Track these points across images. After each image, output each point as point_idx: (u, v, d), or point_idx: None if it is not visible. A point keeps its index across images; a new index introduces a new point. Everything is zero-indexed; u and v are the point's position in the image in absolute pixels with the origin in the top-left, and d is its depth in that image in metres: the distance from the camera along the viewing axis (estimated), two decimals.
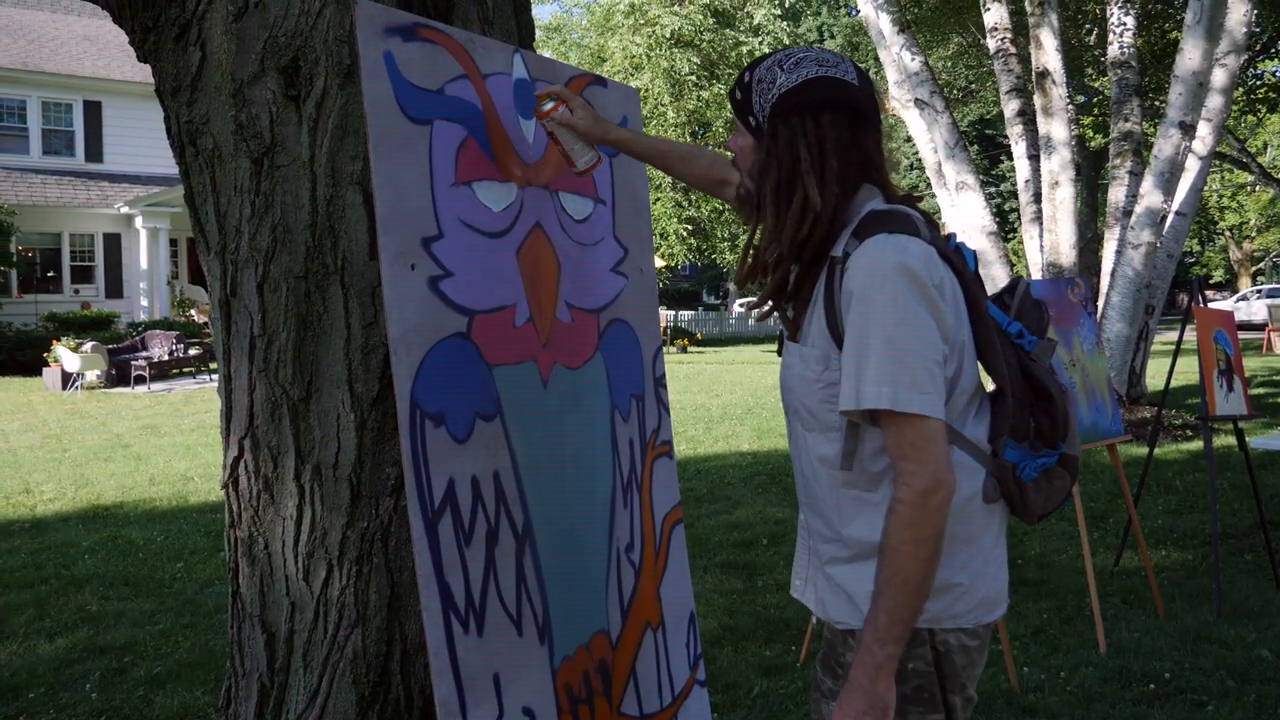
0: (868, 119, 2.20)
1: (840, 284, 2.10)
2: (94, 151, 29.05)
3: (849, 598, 2.24)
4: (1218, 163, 31.28)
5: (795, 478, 2.40)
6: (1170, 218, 13.30)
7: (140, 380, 21.53)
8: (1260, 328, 39.27)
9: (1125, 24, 14.03)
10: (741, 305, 56.64)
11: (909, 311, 2.03)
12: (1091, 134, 27.05)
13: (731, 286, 64.18)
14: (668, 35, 32.45)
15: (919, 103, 15.58)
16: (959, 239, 2.32)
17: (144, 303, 28.53)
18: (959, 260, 2.21)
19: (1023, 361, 2.28)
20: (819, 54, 2.20)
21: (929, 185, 16.73)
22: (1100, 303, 13.53)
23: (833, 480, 2.22)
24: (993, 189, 53.56)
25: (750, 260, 2.28)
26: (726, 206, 36.05)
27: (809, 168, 2.13)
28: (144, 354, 22.85)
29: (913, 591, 2.03)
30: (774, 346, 37.81)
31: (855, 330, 2.04)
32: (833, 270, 2.13)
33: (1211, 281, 61.02)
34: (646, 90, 32.43)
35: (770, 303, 2.27)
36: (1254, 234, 53.86)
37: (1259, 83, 24.84)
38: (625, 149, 2.84)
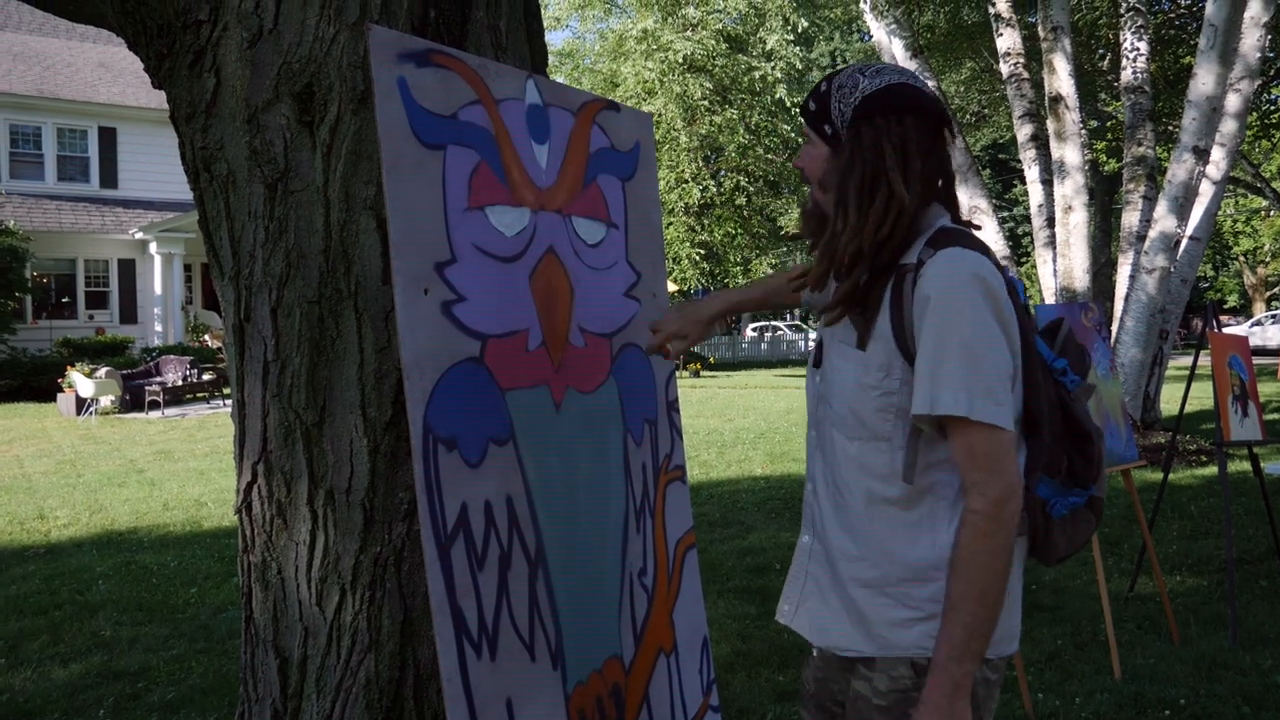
0: (945, 129, 2.24)
1: (912, 291, 2.12)
2: (109, 177, 29.18)
3: (864, 623, 2.23)
4: (1232, 187, 31.27)
5: (811, 496, 2.42)
6: (1184, 242, 13.28)
7: (154, 405, 21.58)
8: (1275, 353, 39.20)
9: (1139, 49, 14.04)
10: (754, 330, 56.64)
11: (985, 322, 2.07)
12: (1105, 159, 27.04)
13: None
14: (680, 60, 32.56)
15: None
16: (1011, 272, 2.33)
17: (158, 328, 28.61)
18: (1012, 291, 2.23)
19: (1063, 399, 2.30)
20: (897, 66, 2.26)
21: None
22: (1114, 327, 13.51)
23: (870, 496, 2.22)
24: (1006, 214, 53.57)
25: (825, 261, 2.26)
26: (739, 231, 36.21)
27: (894, 165, 2.16)
28: (158, 379, 22.92)
29: (990, 604, 2.04)
30: (786, 371, 37.83)
31: (932, 335, 2.07)
32: (902, 278, 2.15)
33: (1226, 306, 60.89)
34: (659, 115, 32.55)
35: (841, 307, 2.26)
36: (1268, 259, 53.72)
37: (1273, 108, 24.83)
38: (734, 310, 2.93)
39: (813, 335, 49.14)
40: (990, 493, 2.03)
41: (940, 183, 2.26)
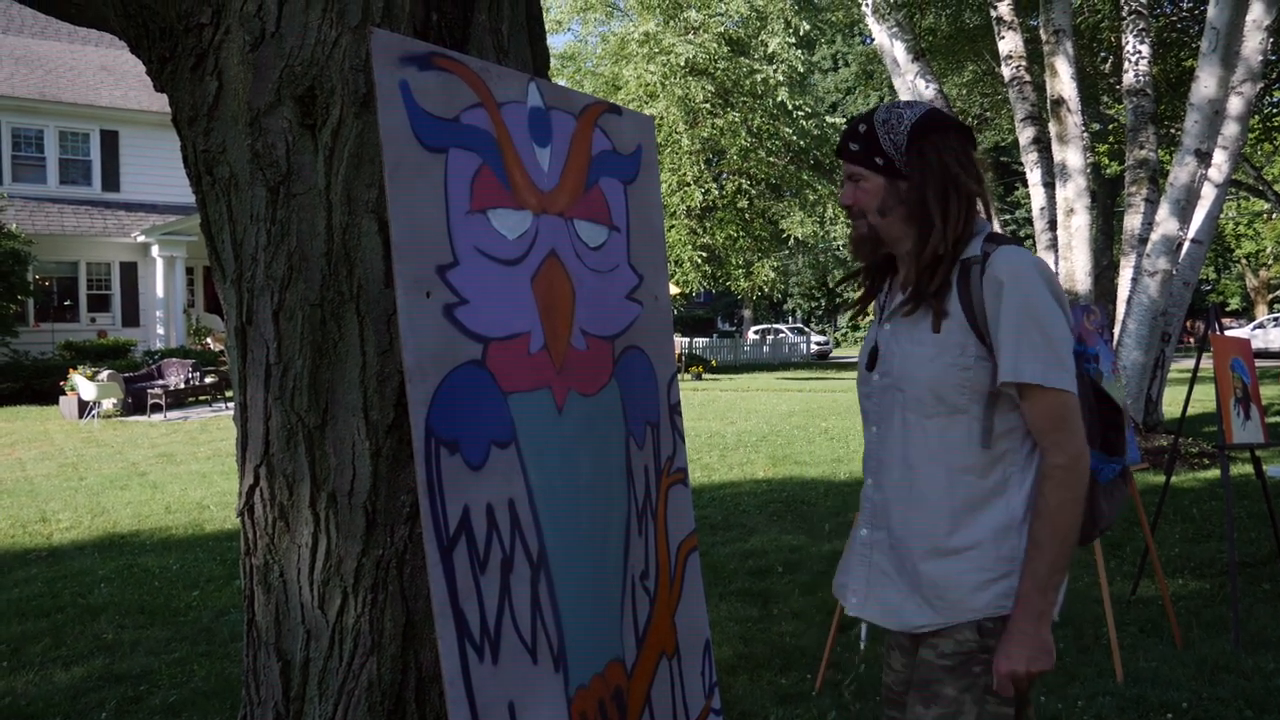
0: (973, 142, 2.61)
1: (980, 280, 2.44)
2: (111, 181, 29.23)
3: (938, 594, 2.48)
4: (1234, 190, 31.26)
5: (872, 490, 2.67)
6: (1186, 245, 13.28)
7: (156, 408, 21.59)
8: (1277, 355, 39.17)
9: (1140, 52, 14.04)
10: (756, 332, 56.64)
11: (1050, 302, 2.41)
12: (1107, 161, 27.06)
13: (746, 313, 64.23)
14: (682, 64, 32.56)
15: None
16: None
17: (160, 331, 28.65)
18: None
19: (1091, 378, 2.65)
20: (915, 100, 2.59)
21: None
22: (1116, 330, 13.50)
23: (949, 469, 2.48)
24: (1008, 216, 53.57)
25: (920, 267, 2.53)
26: (741, 234, 36.19)
27: (959, 171, 2.52)
28: (160, 382, 22.93)
29: (1070, 546, 2.39)
30: (788, 374, 37.83)
31: (1010, 314, 2.39)
32: (967, 269, 2.47)
33: (1228, 309, 60.86)
34: (661, 118, 32.56)
35: (921, 300, 2.52)
36: (1270, 261, 53.70)
37: (1275, 111, 24.82)
38: None
39: (817, 339, 48.67)
40: (1070, 449, 2.37)
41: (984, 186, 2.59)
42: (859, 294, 2.86)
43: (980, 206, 2.58)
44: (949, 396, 2.45)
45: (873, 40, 17.92)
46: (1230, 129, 13.12)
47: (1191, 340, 43.40)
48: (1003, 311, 2.39)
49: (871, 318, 2.83)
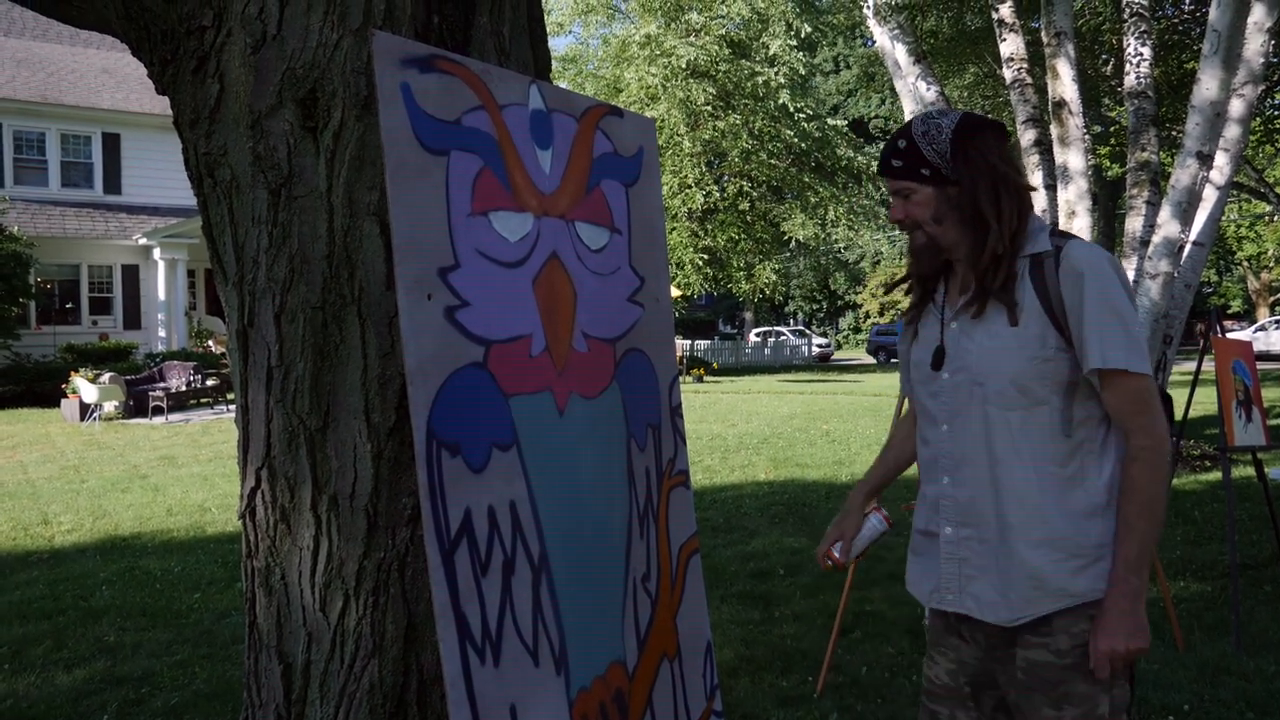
0: (1006, 138, 2.68)
1: (1056, 273, 2.51)
2: (112, 183, 29.23)
3: (1041, 583, 2.51)
4: (1235, 193, 31.23)
5: (948, 489, 2.69)
6: (1188, 248, 13.27)
7: (158, 411, 21.59)
8: (1279, 358, 39.13)
9: (1142, 54, 14.03)
10: (757, 335, 56.61)
11: (1124, 293, 2.50)
12: (1108, 164, 27.04)
13: (748, 315, 64.18)
14: (683, 66, 32.59)
15: None
16: None
17: (162, 334, 28.65)
18: None
19: None
20: (944, 108, 2.64)
21: None
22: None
23: (1034, 459, 2.53)
24: None
25: (979, 269, 2.59)
26: (742, 236, 36.20)
27: (1006, 170, 2.59)
28: (161, 385, 22.92)
29: (1158, 524, 2.46)
30: (789, 376, 37.79)
31: (1093, 303, 2.46)
32: (1040, 264, 2.54)
33: (1230, 311, 60.81)
34: (662, 120, 32.57)
35: (987, 299, 2.59)
36: (1272, 264, 53.67)
37: (1277, 113, 24.80)
38: (876, 492, 3.19)
39: (818, 341, 48.58)
40: (1155, 430, 2.46)
41: None
42: (904, 295, 2.92)
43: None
44: (1031, 388, 2.51)
45: (874, 43, 17.90)
46: (1232, 131, 13.10)
47: (1203, 342, 43.40)
48: (1085, 302, 2.45)
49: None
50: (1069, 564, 2.48)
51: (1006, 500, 2.55)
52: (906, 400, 3.14)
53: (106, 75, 31.36)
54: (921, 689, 2.86)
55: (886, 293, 3.38)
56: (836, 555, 3.02)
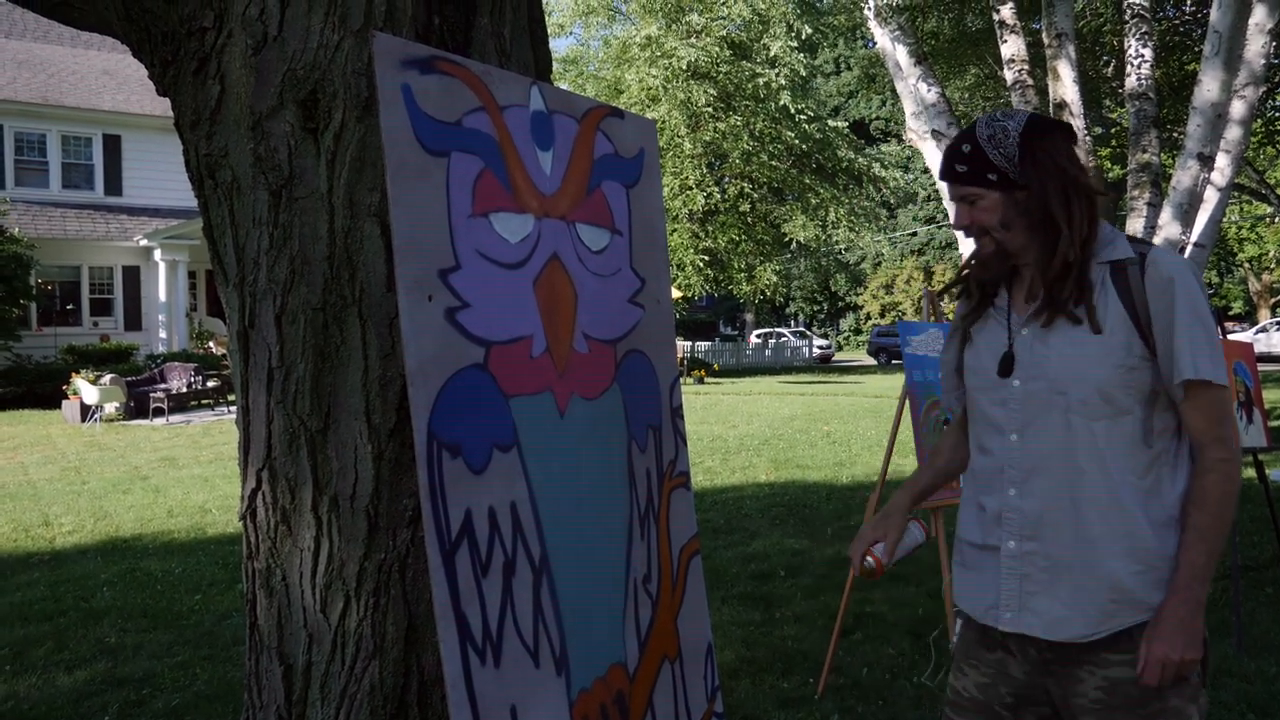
0: (1073, 138, 2.61)
1: (1141, 280, 2.46)
2: (113, 185, 29.23)
3: (1124, 595, 2.45)
4: (1237, 194, 31.20)
5: (1015, 500, 2.59)
6: (1189, 249, 13.25)
7: (159, 412, 21.62)
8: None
9: (1143, 56, 14.02)
10: (758, 336, 56.62)
11: (1207, 303, 2.47)
12: (1109, 165, 27.04)
13: (749, 317, 64.21)
14: (684, 67, 32.61)
15: (936, 134, 15.58)
16: None
17: (162, 335, 28.67)
18: None
19: None
20: (1007, 110, 2.64)
21: (946, 216, 16.73)
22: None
23: (1117, 469, 2.46)
24: None
25: (1049, 274, 2.53)
26: (743, 237, 36.21)
27: (1076, 172, 2.52)
28: (162, 386, 22.93)
29: (1225, 536, 2.41)
30: (790, 377, 37.79)
31: (1184, 313, 2.42)
32: (1122, 271, 2.49)
33: (1231, 313, 60.79)
34: (663, 122, 32.59)
35: (1060, 306, 2.52)
36: (1273, 265, 53.66)
37: (1278, 114, 24.79)
38: (921, 498, 3.02)
39: (819, 342, 48.53)
40: (1232, 443, 2.42)
41: None
42: (960, 298, 2.85)
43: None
44: (1116, 397, 2.45)
45: (875, 44, 17.91)
46: (1233, 133, 13.09)
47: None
48: (1176, 311, 2.41)
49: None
50: (1149, 575, 2.43)
51: (1087, 512, 2.47)
52: (955, 407, 3.00)
53: (107, 77, 31.37)
54: (946, 700, 2.81)
55: (940, 294, 3.27)
56: (878, 555, 2.84)
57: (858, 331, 73.86)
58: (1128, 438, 2.45)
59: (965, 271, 2.79)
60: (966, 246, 15.04)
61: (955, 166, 2.58)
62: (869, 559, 2.83)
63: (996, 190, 2.52)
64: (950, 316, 3.86)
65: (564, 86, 30.77)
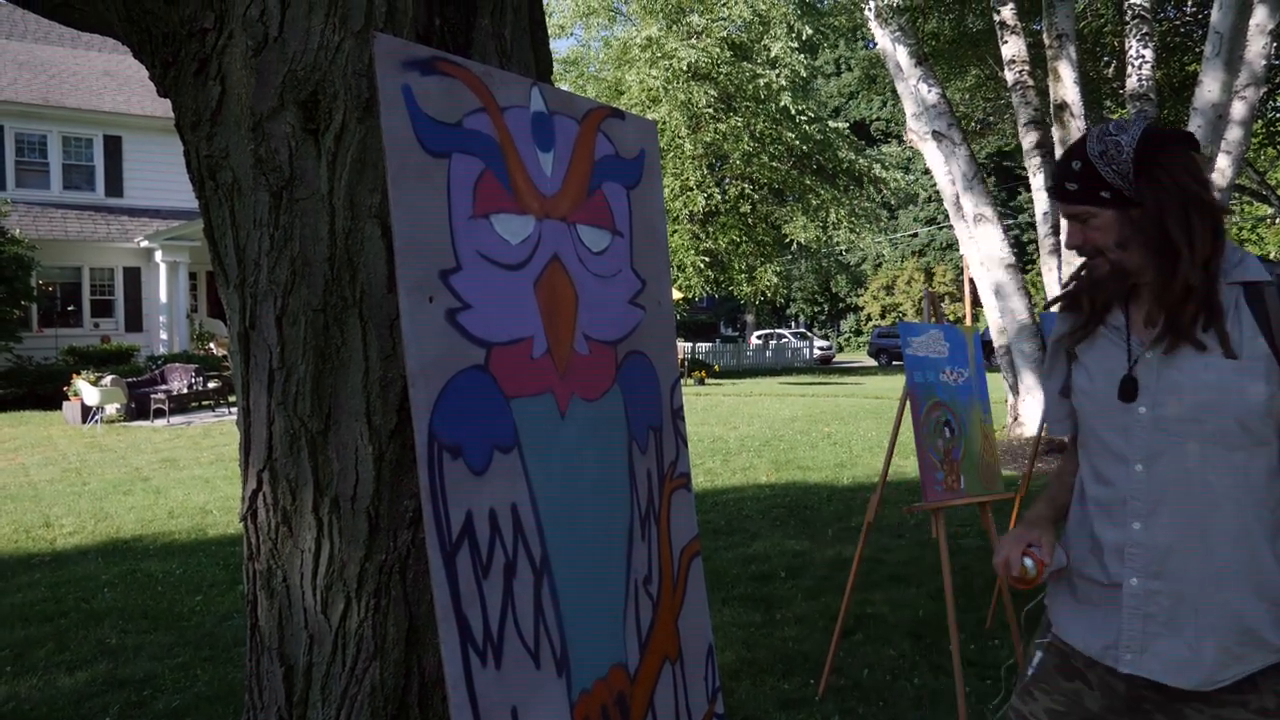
0: (1194, 148, 2.43)
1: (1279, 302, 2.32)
2: (114, 186, 29.25)
3: (1255, 639, 2.31)
4: (1237, 195, 31.20)
5: (1141, 534, 2.41)
6: None
7: (159, 413, 21.62)
8: None
9: (1144, 56, 14.03)
10: (759, 337, 56.63)
11: None
12: None
13: (749, 318, 64.25)
14: (685, 68, 32.62)
15: (937, 135, 15.59)
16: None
17: (163, 336, 28.68)
18: None
19: None
20: (1118, 120, 2.45)
21: (947, 217, 16.76)
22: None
23: (1252, 503, 2.32)
24: (1010, 221, 53.55)
25: (1170, 298, 2.37)
26: (744, 238, 36.22)
27: (1197, 189, 2.34)
28: (163, 387, 22.93)
29: None
30: (790, 379, 37.76)
31: None
32: (1258, 293, 2.35)
33: None
34: (664, 123, 32.60)
35: (1186, 331, 2.36)
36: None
37: (1279, 115, 24.79)
38: (1066, 512, 2.75)
39: (820, 344, 48.43)
40: None
41: None
42: (1063, 313, 2.70)
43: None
44: (1255, 427, 2.30)
45: (875, 45, 17.94)
46: (1234, 133, 13.11)
47: None
48: None
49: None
50: (1277, 614, 2.30)
51: (1218, 548, 2.32)
52: (1064, 433, 2.80)
53: (108, 78, 31.39)
54: None
55: (1046, 307, 3.05)
56: (1040, 556, 2.54)
57: (858, 333, 73.92)
58: (1264, 470, 2.32)
59: (1073, 286, 2.64)
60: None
61: (1065, 184, 2.44)
62: (1027, 560, 2.54)
63: (1110, 209, 2.39)
64: (951, 318, 3.78)
65: (565, 87, 30.78)
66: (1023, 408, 15.19)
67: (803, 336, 57.58)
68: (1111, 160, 2.35)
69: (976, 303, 39.46)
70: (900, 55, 15.89)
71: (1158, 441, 2.38)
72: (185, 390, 23.07)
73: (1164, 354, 2.37)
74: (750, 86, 34.13)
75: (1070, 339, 2.63)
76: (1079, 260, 2.77)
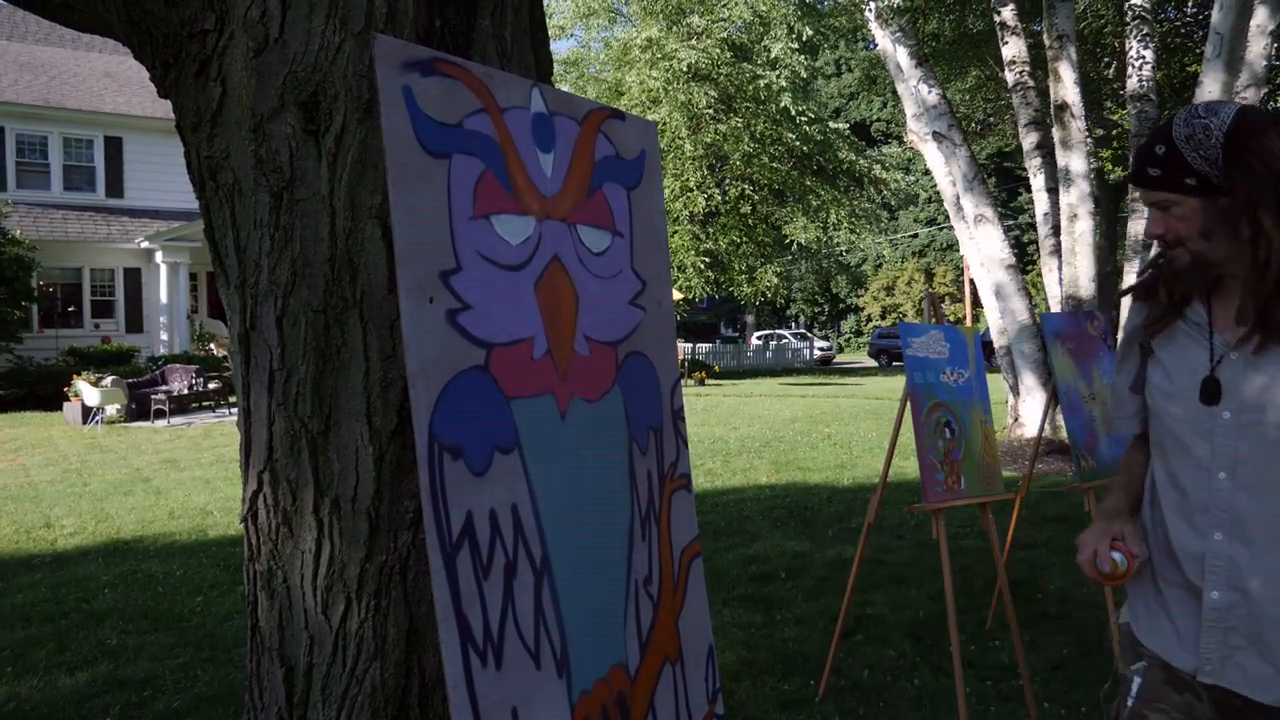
0: None
1: None
2: (114, 187, 29.26)
3: None
4: None
5: (1224, 546, 2.29)
6: None
7: (160, 414, 21.62)
8: None
9: (1144, 57, 14.04)
10: (759, 338, 56.62)
11: None
12: (1110, 167, 27.07)
13: (749, 319, 64.25)
14: (685, 69, 32.62)
15: (937, 136, 15.60)
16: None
17: (164, 337, 28.68)
18: None
19: None
20: (1209, 102, 2.30)
21: (948, 218, 16.77)
22: (1120, 336, 13.48)
23: None
24: (1011, 222, 53.56)
25: (1260, 294, 2.23)
26: (744, 239, 36.22)
27: None
28: (164, 388, 22.95)
29: None
30: (791, 379, 37.77)
31: None
32: None
33: None
34: (664, 123, 32.60)
35: (1272, 331, 2.22)
36: None
37: None
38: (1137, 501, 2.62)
39: (820, 344, 48.41)
40: None
41: None
42: (1137, 303, 2.56)
43: None
44: None
45: (876, 46, 17.94)
46: None
47: None
48: None
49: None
50: None
51: None
52: (1130, 431, 2.66)
53: (109, 79, 31.41)
54: None
55: (1120, 295, 2.53)
56: (1128, 548, 2.40)
57: (858, 333, 73.97)
58: None
59: (1149, 275, 2.51)
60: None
61: (1147, 170, 2.30)
62: (1116, 554, 2.41)
63: (1195, 196, 2.24)
64: (951, 319, 3.71)
65: (565, 88, 30.79)
66: (1023, 408, 15.19)
67: (803, 337, 57.59)
68: (1199, 145, 2.22)
69: (977, 303, 39.48)
70: (901, 56, 15.89)
71: (1242, 448, 2.26)
72: (186, 391, 23.08)
73: (1252, 354, 2.24)
74: (750, 87, 34.12)
75: (1145, 332, 2.48)
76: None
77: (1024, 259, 45.42)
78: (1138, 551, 2.40)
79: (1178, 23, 21.05)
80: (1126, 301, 11.48)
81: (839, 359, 60.42)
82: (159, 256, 28.09)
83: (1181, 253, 2.31)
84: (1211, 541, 2.28)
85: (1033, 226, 41.15)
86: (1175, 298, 2.39)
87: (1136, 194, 14.06)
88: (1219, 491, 2.28)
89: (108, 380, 21.29)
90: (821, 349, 54.83)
